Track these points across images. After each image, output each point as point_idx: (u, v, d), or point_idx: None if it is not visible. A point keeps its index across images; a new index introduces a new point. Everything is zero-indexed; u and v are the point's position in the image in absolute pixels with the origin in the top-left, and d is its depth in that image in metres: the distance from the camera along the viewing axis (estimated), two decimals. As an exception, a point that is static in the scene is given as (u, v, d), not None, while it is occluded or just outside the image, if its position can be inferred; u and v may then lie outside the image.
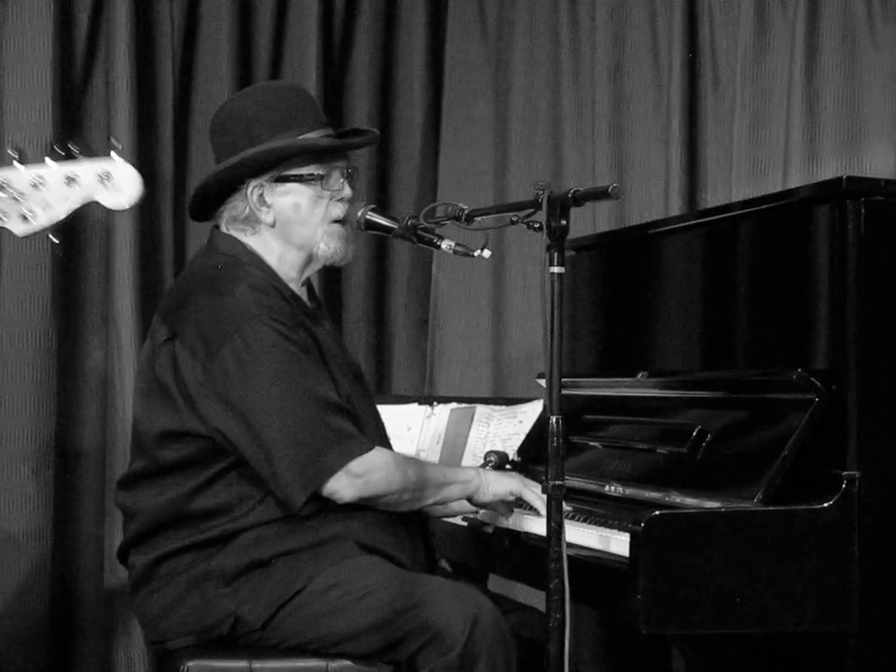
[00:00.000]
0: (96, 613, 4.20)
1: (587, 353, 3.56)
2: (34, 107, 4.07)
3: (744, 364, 2.96)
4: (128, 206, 2.45)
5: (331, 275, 4.46)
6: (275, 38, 4.49)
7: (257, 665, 2.64)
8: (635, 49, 4.34)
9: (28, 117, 4.07)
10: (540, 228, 2.43)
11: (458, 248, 2.71)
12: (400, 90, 4.69)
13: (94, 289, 4.25)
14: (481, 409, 3.79)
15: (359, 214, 2.85)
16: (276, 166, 2.82)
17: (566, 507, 2.42)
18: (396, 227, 2.82)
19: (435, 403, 3.88)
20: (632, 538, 2.51)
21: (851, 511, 2.58)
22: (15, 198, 2.42)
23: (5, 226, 2.44)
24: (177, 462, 2.74)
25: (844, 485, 2.59)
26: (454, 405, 3.83)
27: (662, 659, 3.55)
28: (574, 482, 3.04)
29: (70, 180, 2.44)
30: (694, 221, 3.23)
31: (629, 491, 2.94)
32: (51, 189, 2.43)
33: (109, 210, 2.48)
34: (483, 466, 3.42)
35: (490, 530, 3.05)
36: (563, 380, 2.39)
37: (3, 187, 2.41)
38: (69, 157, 2.43)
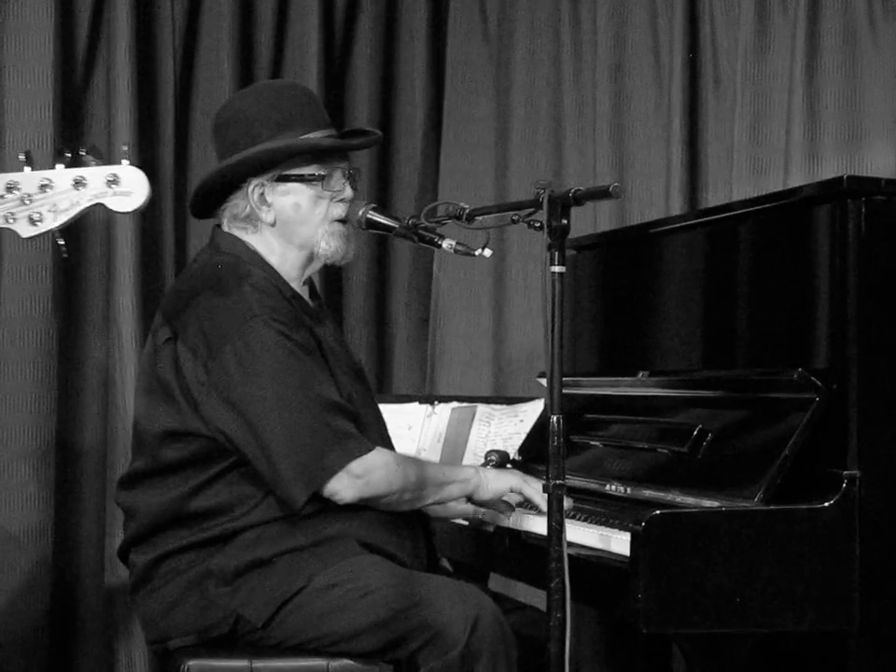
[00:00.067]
0: (97, 612, 4.20)
1: (588, 352, 3.56)
2: (34, 106, 4.07)
3: (744, 363, 2.96)
4: (136, 210, 2.46)
5: (332, 275, 4.46)
6: (276, 37, 4.49)
7: (257, 664, 2.64)
8: (636, 48, 4.34)
9: (29, 116, 4.07)
10: (541, 227, 2.43)
11: (459, 248, 2.71)
12: (401, 89, 4.69)
13: (95, 288, 4.25)
14: (482, 408, 3.79)
15: (360, 213, 2.85)
16: (277, 165, 2.82)
17: (566, 505, 2.42)
18: (397, 226, 2.82)
19: (436, 402, 3.88)
20: (632, 537, 2.51)
21: (852, 510, 2.58)
22: (23, 200, 2.43)
23: (12, 227, 2.44)
24: (179, 461, 2.74)
25: (844, 485, 2.59)
26: (455, 404, 3.83)
27: (662, 658, 3.55)
28: (575, 481, 3.04)
29: (78, 183, 2.44)
30: (695, 221, 3.23)
31: (630, 490, 2.94)
32: (59, 192, 2.44)
33: (110, 210, 2.48)
34: (484, 465, 3.43)
35: (491, 529, 3.05)
36: (564, 379, 2.39)
37: (11, 189, 2.42)
38: (77, 160, 2.44)
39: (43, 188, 2.44)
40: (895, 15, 3.95)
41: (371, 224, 2.85)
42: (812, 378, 2.64)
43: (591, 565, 2.66)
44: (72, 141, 4.13)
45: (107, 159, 2.46)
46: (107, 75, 4.21)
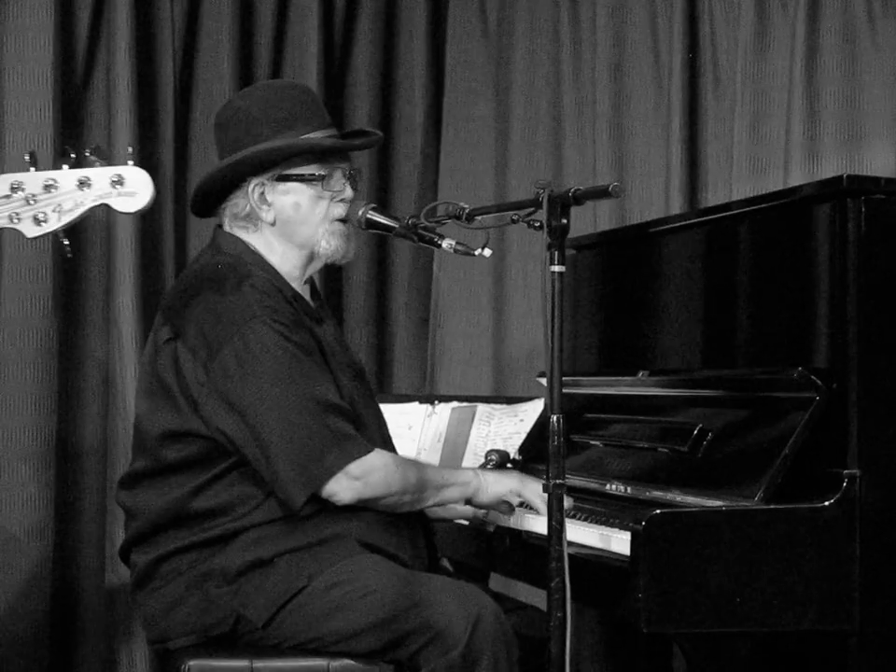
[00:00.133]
0: (97, 612, 4.20)
1: (588, 352, 3.56)
2: (34, 107, 4.07)
3: (745, 363, 2.96)
4: (140, 211, 2.46)
5: (332, 275, 4.46)
6: (276, 37, 4.49)
7: (258, 664, 2.64)
8: (635, 48, 4.34)
9: (29, 116, 4.07)
10: (541, 227, 2.44)
11: (459, 247, 2.71)
12: (401, 89, 4.69)
13: (95, 288, 4.25)
14: (482, 408, 3.79)
15: (360, 213, 2.85)
16: (278, 165, 2.82)
17: (566, 505, 2.42)
18: (396, 226, 2.82)
19: (436, 402, 3.88)
20: (633, 536, 2.51)
21: (852, 509, 2.58)
22: (27, 200, 2.43)
23: (17, 227, 2.45)
24: (179, 462, 2.74)
25: (844, 484, 2.59)
26: (455, 404, 3.83)
27: (662, 658, 3.55)
28: (575, 480, 3.04)
29: (82, 184, 2.45)
30: (695, 220, 3.23)
31: (630, 490, 2.94)
32: (64, 193, 2.44)
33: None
34: (485, 465, 3.43)
35: (491, 529, 3.05)
36: (564, 378, 2.40)
37: (16, 189, 2.42)
38: (82, 161, 2.45)
39: (48, 188, 2.44)
40: (895, 14, 3.95)
41: (371, 224, 2.85)
42: (812, 377, 2.65)
43: (591, 564, 2.66)
44: (72, 141, 4.13)
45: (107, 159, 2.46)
46: (107, 75, 4.21)
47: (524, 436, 3.58)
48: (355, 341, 4.51)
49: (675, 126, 4.18)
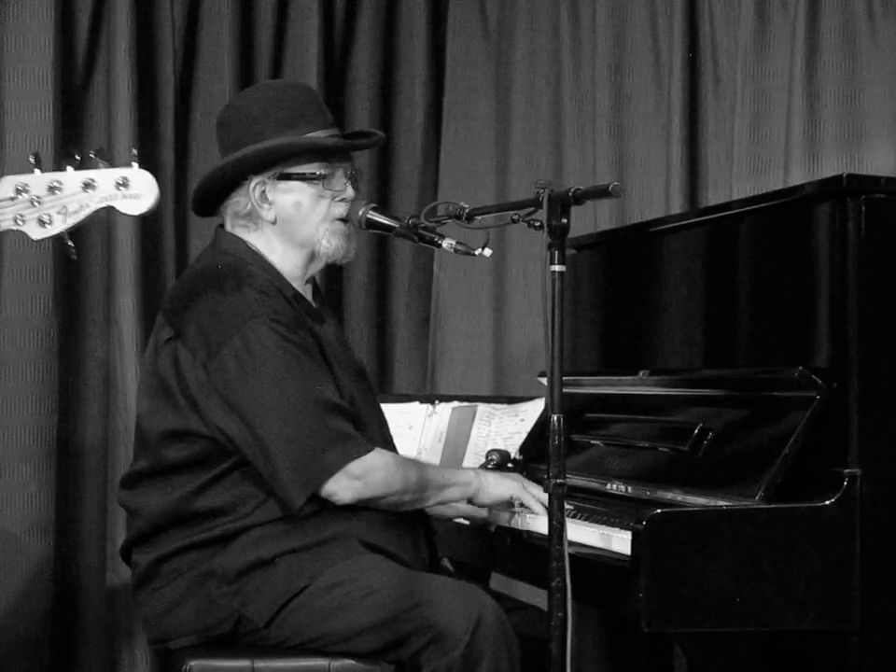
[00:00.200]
0: (98, 612, 4.20)
1: (588, 351, 3.56)
2: (34, 107, 4.07)
3: (745, 362, 2.96)
4: (145, 213, 2.47)
5: (333, 275, 4.46)
6: (276, 37, 4.49)
7: (259, 664, 2.64)
8: (635, 47, 4.34)
9: (29, 116, 4.07)
10: (541, 226, 2.44)
11: (459, 247, 2.71)
12: (401, 88, 4.69)
13: (96, 288, 4.25)
14: (482, 407, 3.79)
15: (360, 213, 2.85)
16: (279, 163, 2.82)
17: (567, 505, 2.42)
18: (397, 226, 2.82)
19: (437, 402, 3.88)
20: (633, 536, 2.51)
21: (852, 508, 2.58)
22: (32, 202, 2.43)
23: (21, 229, 2.45)
24: (180, 462, 2.74)
25: (845, 483, 2.59)
26: (455, 404, 3.83)
27: (663, 657, 3.55)
28: (576, 480, 3.04)
29: (87, 185, 2.45)
30: (695, 219, 3.23)
31: (631, 489, 2.94)
32: (69, 194, 2.44)
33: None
34: (485, 465, 3.43)
35: (492, 529, 3.05)
36: (564, 378, 2.40)
37: (21, 191, 2.42)
38: (86, 162, 2.45)
39: (52, 190, 2.44)
40: (895, 13, 3.95)
41: (371, 224, 2.85)
42: (813, 376, 2.65)
43: (592, 564, 2.66)
44: (72, 142, 4.14)
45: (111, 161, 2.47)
46: (107, 75, 4.21)
47: (524, 436, 3.58)
48: (355, 341, 4.51)
49: (675, 125, 4.18)
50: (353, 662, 2.64)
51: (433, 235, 2.77)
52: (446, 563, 3.28)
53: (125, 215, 2.50)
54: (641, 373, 3.19)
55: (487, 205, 2.76)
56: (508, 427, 3.71)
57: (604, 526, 2.76)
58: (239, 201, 2.85)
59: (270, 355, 2.67)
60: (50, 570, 4.08)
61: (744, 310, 3.00)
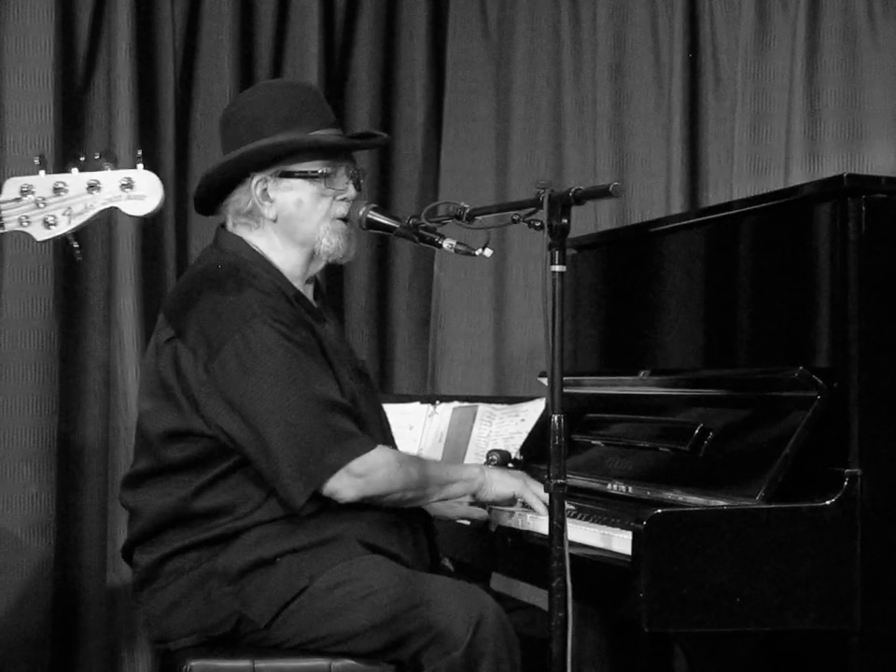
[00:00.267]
0: (99, 612, 4.20)
1: (589, 351, 3.56)
2: (35, 107, 4.07)
3: (746, 362, 2.96)
4: (149, 214, 2.47)
5: (333, 275, 4.46)
6: (277, 38, 4.49)
7: (260, 664, 2.65)
8: (636, 47, 4.34)
9: (29, 117, 4.07)
10: (542, 226, 2.44)
11: (460, 247, 2.71)
12: (402, 89, 4.69)
13: (96, 289, 4.25)
14: (483, 408, 3.79)
15: (361, 213, 2.85)
16: (281, 161, 2.82)
17: (568, 505, 2.42)
18: (397, 226, 2.82)
19: (437, 402, 3.88)
20: (634, 536, 2.51)
21: (853, 508, 2.58)
22: (37, 203, 2.44)
23: (26, 231, 2.45)
24: (182, 461, 2.74)
25: (846, 483, 2.59)
26: (456, 404, 3.83)
27: (664, 657, 3.55)
28: (576, 480, 3.04)
29: (92, 187, 2.45)
30: (696, 220, 3.23)
31: (631, 489, 2.94)
32: (73, 196, 2.45)
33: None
34: (486, 465, 3.43)
35: (493, 529, 3.05)
36: (565, 378, 2.40)
37: (25, 192, 2.43)
38: (91, 163, 2.45)
39: (57, 191, 2.45)
40: (895, 13, 3.95)
41: (372, 224, 2.85)
42: (813, 376, 2.65)
43: (592, 564, 2.66)
44: (73, 142, 4.14)
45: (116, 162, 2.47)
46: (108, 76, 4.21)
47: (525, 436, 3.58)
48: (356, 341, 4.51)
49: (675, 126, 4.18)
50: (353, 662, 2.64)
51: (434, 235, 2.77)
52: (447, 563, 3.28)
53: (130, 216, 2.50)
54: (642, 373, 3.19)
55: (488, 206, 2.76)
56: (508, 427, 3.71)
57: (604, 526, 2.76)
58: (240, 198, 2.85)
59: (271, 354, 2.67)
60: (51, 570, 4.08)
61: (744, 310, 3.00)
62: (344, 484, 2.67)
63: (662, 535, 2.50)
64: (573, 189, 2.44)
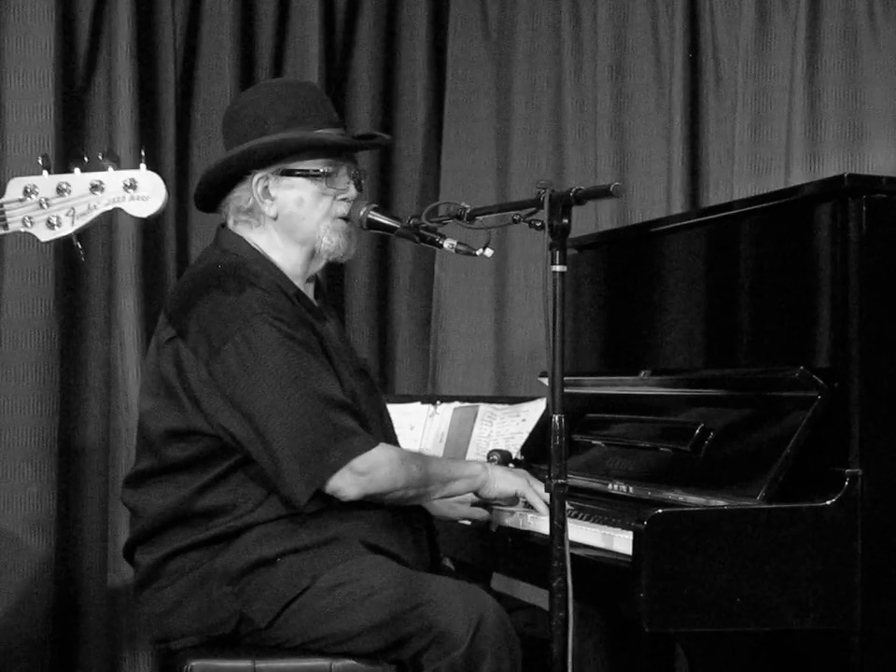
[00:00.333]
0: (100, 612, 4.20)
1: (590, 351, 3.56)
2: (36, 108, 4.08)
3: (746, 362, 2.96)
4: (153, 215, 2.47)
5: (334, 275, 4.46)
6: (277, 38, 4.49)
7: (261, 664, 2.64)
8: (636, 47, 4.34)
9: (30, 117, 4.07)
10: (542, 226, 2.44)
11: (461, 247, 2.71)
12: (402, 89, 4.69)
13: (97, 289, 4.26)
14: (484, 408, 3.79)
15: (361, 213, 2.85)
16: (283, 159, 2.82)
17: (568, 505, 2.42)
18: (398, 226, 2.82)
19: (438, 402, 3.88)
20: (635, 536, 2.51)
21: (854, 508, 2.58)
22: (41, 204, 2.44)
23: (30, 231, 2.45)
24: (184, 461, 2.75)
25: (846, 483, 2.59)
26: (457, 404, 3.84)
27: (665, 657, 3.55)
28: (577, 480, 3.04)
29: (95, 187, 2.45)
30: (696, 219, 3.23)
31: (632, 489, 2.94)
32: (77, 196, 2.45)
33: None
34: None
35: (494, 529, 3.05)
36: (565, 378, 2.40)
37: (29, 192, 2.43)
38: (94, 164, 2.45)
39: (61, 192, 2.45)
40: (895, 13, 3.95)
41: (373, 224, 2.85)
42: (814, 376, 2.65)
43: (593, 564, 2.66)
44: (74, 142, 4.14)
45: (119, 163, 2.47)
46: (108, 76, 4.22)
47: (526, 436, 3.58)
48: (357, 341, 4.51)
49: (676, 125, 4.18)
50: (354, 662, 2.64)
51: (434, 236, 2.77)
52: (447, 563, 3.28)
53: (134, 217, 2.50)
54: (642, 373, 3.19)
55: (488, 206, 2.76)
56: (509, 427, 3.71)
57: (605, 526, 2.76)
58: (241, 195, 2.85)
59: (272, 352, 2.67)
60: (52, 570, 4.08)
61: (745, 310, 3.00)
62: (347, 482, 2.67)
63: (663, 535, 2.50)
64: (574, 189, 2.44)
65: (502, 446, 3.60)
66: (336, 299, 4.52)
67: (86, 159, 2.48)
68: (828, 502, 2.57)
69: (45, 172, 2.47)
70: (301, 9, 4.49)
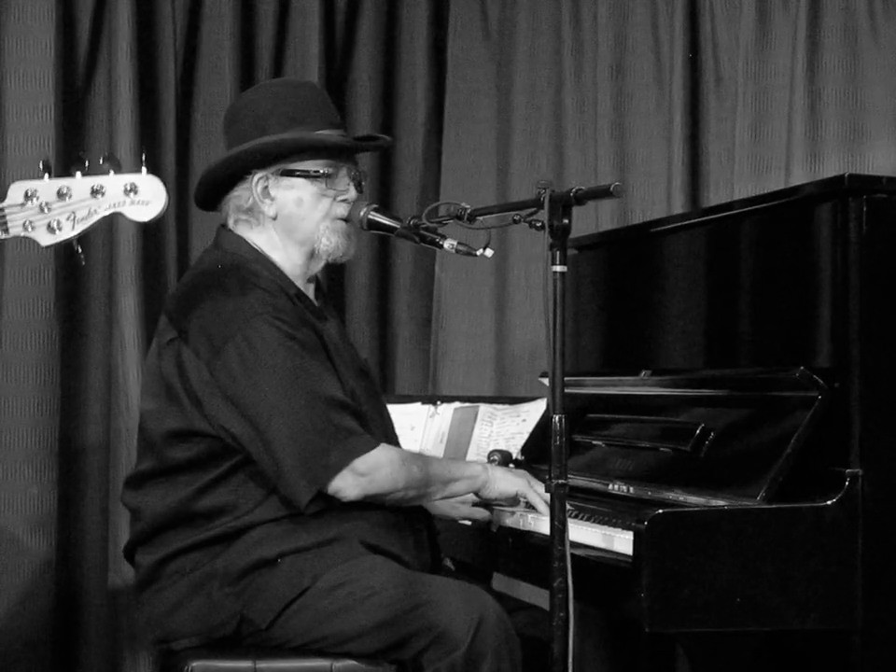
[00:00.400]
0: (100, 613, 4.20)
1: (590, 351, 3.56)
2: (36, 108, 4.08)
3: (747, 362, 2.96)
4: (154, 219, 2.47)
5: (334, 275, 4.46)
6: (277, 38, 4.49)
7: (261, 665, 2.65)
8: (636, 47, 4.34)
9: (30, 118, 4.07)
10: (543, 227, 2.44)
11: (461, 248, 2.71)
12: (403, 89, 4.69)
13: (98, 290, 4.26)
14: (484, 408, 3.79)
15: (362, 214, 2.85)
16: (283, 159, 2.82)
17: (569, 506, 2.42)
18: (398, 226, 2.82)
19: (438, 402, 3.88)
20: (635, 536, 2.51)
21: (854, 508, 2.58)
22: (42, 208, 2.44)
23: (31, 235, 2.45)
24: (185, 462, 2.74)
25: (847, 483, 2.59)
26: (457, 404, 3.83)
27: (665, 657, 3.55)
28: (577, 480, 3.04)
29: (96, 192, 2.45)
30: (697, 220, 3.23)
31: (632, 489, 2.94)
32: (78, 200, 2.44)
33: (129, 218, 2.49)
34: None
35: (494, 529, 3.05)
36: (566, 379, 2.39)
37: (30, 197, 2.42)
38: (95, 168, 2.45)
39: (61, 196, 2.44)
40: (895, 12, 3.95)
41: (373, 225, 2.85)
42: (814, 376, 2.64)
43: (594, 564, 2.66)
44: (74, 143, 4.14)
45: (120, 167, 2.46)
46: (109, 77, 4.22)
47: (526, 436, 3.58)
48: (357, 341, 4.51)
49: (676, 125, 4.18)
50: (355, 663, 2.64)
51: (435, 236, 2.77)
52: (448, 563, 3.28)
53: (135, 222, 2.50)
54: (643, 374, 3.19)
55: (489, 206, 2.76)
56: (510, 427, 3.71)
57: (606, 527, 2.75)
58: (241, 195, 2.85)
59: (273, 352, 2.67)
60: (52, 571, 4.08)
61: (745, 310, 3.00)
62: (348, 483, 2.67)
63: (663, 535, 2.50)
64: (574, 190, 2.44)
65: (503, 446, 3.60)
66: (336, 299, 4.52)
67: (86, 162, 2.48)
68: (828, 502, 2.57)
69: (46, 176, 2.47)
70: (301, 9, 4.49)
